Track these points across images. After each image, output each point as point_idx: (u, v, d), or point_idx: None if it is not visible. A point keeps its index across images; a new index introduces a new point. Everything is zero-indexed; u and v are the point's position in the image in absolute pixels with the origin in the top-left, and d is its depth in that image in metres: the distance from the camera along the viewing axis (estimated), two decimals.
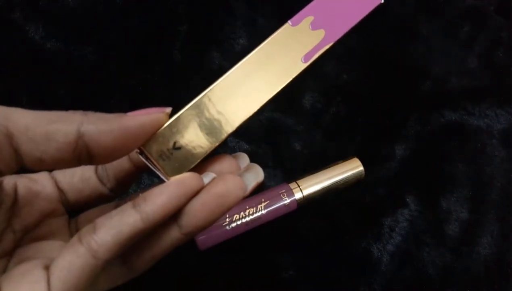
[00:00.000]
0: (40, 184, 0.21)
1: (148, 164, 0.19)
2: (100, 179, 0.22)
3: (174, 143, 0.19)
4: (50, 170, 0.22)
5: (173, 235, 0.18)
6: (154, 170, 0.19)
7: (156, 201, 0.17)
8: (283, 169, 0.38)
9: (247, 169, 0.21)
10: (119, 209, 0.17)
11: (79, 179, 0.22)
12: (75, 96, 0.37)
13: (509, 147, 0.40)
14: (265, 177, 0.38)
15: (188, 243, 0.32)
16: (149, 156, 0.18)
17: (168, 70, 0.39)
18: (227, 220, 0.32)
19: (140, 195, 0.18)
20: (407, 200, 0.37)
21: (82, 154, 0.17)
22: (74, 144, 0.17)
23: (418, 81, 0.42)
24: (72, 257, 0.16)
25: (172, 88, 0.39)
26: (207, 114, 0.19)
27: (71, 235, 0.22)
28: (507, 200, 0.38)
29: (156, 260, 0.19)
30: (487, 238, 0.37)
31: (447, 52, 0.43)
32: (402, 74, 0.42)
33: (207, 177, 0.19)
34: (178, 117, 0.18)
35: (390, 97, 0.41)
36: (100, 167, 0.23)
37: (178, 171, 0.19)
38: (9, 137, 0.16)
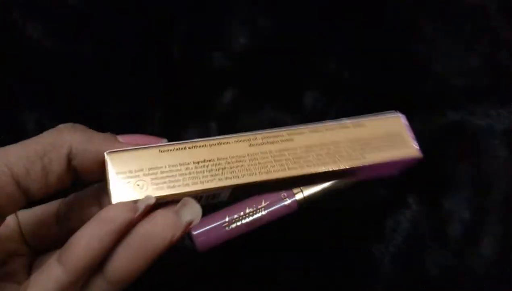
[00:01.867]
0: (4, 223, 0.20)
1: (106, 169, 0.18)
2: (59, 222, 0.21)
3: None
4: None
5: (99, 285, 0.16)
6: (107, 177, 0.18)
7: (75, 248, 0.15)
8: None
9: (183, 204, 0.18)
10: (49, 261, 0.16)
11: (37, 221, 0.21)
12: (73, 95, 0.37)
13: None
14: None
15: (188, 243, 0.32)
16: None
17: (167, 69, 0.39)
18: (227, 221, 0.32)
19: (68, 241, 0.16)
20: (409, 200, 0.37)
21: (73, 173, 0.18)
22: (67, 166, 0.17)
23: (420, 81, 0.41)
24: None
25: (171, 87, 0.38)
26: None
27: (28, 276, 0.20)
28: (509, 201, 0.38)
29: None
30: (489, 238, 0.36)
31: (448, 51, 0.43)
32: (403, 74, 0.42)
33: (143, 203, 0.16)
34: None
35: (391, 97, 0.40)
36: (63, 210, 0.21)
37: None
38: (17, 183, 0.16)
